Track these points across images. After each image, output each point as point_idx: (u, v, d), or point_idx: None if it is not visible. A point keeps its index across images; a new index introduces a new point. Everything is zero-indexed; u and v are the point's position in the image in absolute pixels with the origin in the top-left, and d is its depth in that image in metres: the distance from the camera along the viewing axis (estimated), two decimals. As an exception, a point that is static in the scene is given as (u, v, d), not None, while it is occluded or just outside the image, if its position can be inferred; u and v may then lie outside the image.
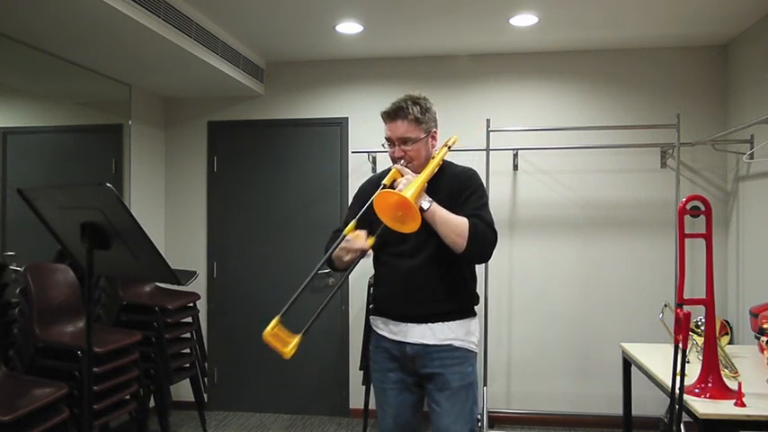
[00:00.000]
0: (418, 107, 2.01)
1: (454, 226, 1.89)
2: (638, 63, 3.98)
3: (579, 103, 4.03)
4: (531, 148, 3.98)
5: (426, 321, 2.00)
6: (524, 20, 3.42)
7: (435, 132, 2.08)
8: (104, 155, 3.97)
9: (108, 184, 1.63)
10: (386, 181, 1.94)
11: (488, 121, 3.84)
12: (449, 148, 2.12)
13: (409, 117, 1.99)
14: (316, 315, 1.88)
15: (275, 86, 4.34)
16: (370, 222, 1.97)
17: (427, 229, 1.91)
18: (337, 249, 1.97)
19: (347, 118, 4.25)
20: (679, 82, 3.94)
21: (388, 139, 2.05)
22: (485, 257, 1.99)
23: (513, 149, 4.00)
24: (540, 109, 4.06)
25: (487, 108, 4.05)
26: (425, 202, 1.88)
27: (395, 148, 2.03)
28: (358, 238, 1.93)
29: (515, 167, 4.06)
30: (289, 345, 1.76)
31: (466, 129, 3.84)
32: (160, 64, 3.55)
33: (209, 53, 3.47)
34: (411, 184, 1.85)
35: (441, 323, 2.00)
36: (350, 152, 4.20)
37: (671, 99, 3.92)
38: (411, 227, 1.79)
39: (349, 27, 3.55)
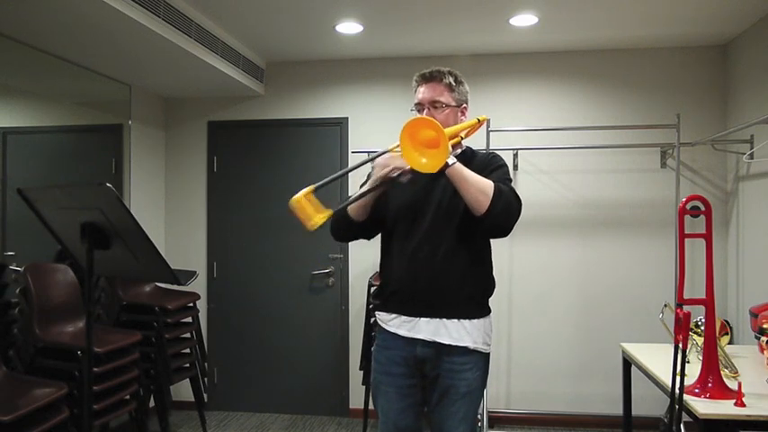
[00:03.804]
0: (453, 77, 2.00)
1: (479, 182, 1.78)
2: (638, 63, 3.98)
3: (579, 103, 4.03)
4: (531, 148, 3.98)
5: (440, 315, 1.89)
6: (524, 20, 3.42)
7: (466, 108, 2.04)
8: (104, 155, 3.97)
9: (108, 184, 1.63)
10: None
11: (488, 121, 3.84)
12: (479, 121, 2.02)
13: (444, 81, 1.98)
14: (358, 195, 1.87)
15: (275, 86, 4.34)
16: (382, 206, 1.95)
17: (443, 207, 1.90)
18: (370, 178, 1.91)
19: (347, 118, 4.25)
20: (679, 82, 3.94)
21: (418, 103, 2.00)
22: (507, 226, 1.82)
23: (513, 149, 4.00)
24: (540, 109, 4.06)
25: (487, 108, 4.04)
26: (450, 158, 1.76)
27: (424, 113, 1.97)
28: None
29: (515, 167, 4.06)
30: (318, 215, 1.63)
31: (466, 129, 3.84)
32: (160, 64, 3.55)
33: (209, 53, 3.47)
34: (448, 128, 1.80)
35: (456, 320, 1.89)
36: (350, 152, 4.20)
37: (671, 99, 3.92)
38: (430, 167, 1.70)
39: (349, 27, 3.55)
